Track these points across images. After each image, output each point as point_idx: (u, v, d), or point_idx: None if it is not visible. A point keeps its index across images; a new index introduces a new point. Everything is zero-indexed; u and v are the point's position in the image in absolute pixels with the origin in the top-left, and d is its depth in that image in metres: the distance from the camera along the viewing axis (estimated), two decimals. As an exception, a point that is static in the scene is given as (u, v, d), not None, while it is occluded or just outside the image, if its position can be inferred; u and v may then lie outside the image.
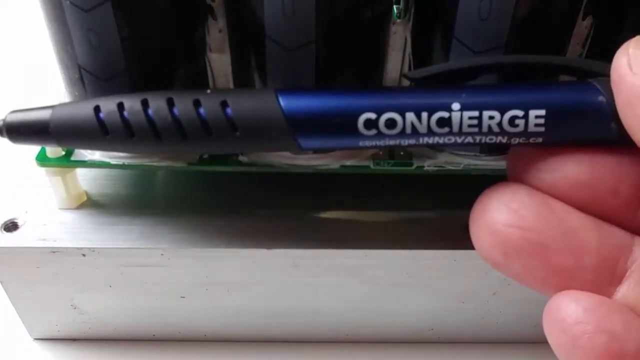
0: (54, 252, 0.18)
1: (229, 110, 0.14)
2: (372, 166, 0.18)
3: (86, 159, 0.18)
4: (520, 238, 0.13)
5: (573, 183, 0.13)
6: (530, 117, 0.13)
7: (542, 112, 0.13)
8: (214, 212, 0.19)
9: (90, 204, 0.19)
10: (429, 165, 0.18)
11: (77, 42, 0.16)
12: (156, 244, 0.18)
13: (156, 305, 0.19)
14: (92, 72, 0.16)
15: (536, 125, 0.13)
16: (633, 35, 0.13)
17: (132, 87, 0.16)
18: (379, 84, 0.18)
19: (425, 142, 0.14)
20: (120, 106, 0.14)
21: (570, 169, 0.13)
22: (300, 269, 0.18)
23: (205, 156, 0.18)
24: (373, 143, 0.14)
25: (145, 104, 0.14)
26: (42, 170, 0.18)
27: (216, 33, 0.17)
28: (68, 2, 0.15)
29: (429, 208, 0.19)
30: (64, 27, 0.15)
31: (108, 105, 0.14)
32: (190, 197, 0.20)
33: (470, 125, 0.13)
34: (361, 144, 0.14)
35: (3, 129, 0.14)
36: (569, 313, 0.12)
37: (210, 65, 0.18)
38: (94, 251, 0.18)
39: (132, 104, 0.14)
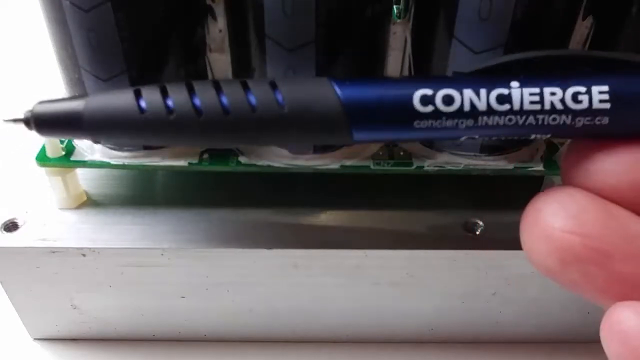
0: (54, 252, 0.18)
1: (279, 96, 0.13)
2: (372, 166, 0.18)
3: (86, 159, 0.18)
4: (581, 245, 0.12)
5: (635, 187, 0.12)
6: (593, 92, 0.13)
7: (605, 87, 0.13)
8: (214, 212, 0.19)
9: (90, 204, 0.19)
10: (429, 165, 0.18)
11: (77, 42, 0.16)
12: (156, 244, 0.18)
13: (156, 305, 0.19)
14: (92, 72, 0.16)
15: (601, 101, 0.13)
16: (633, 35, 0.13)
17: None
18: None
19: (485, 122, 0.13)
20: (164, 91, 0.13)
21: (633, 172, 0.12)
22: (300, 269, 0.18)
23: (205, 156, 0.18)
24: (429, 123, 0.13)
25: (190, 87, 0.13)
26: (42, 170, 0.18)
27: (216, 33, 0.17)
28: (68, 2, 0.15)
29: (429, 208, 0.19)
30: (64, 27, 0.15)
31: (150, 91, 0.13)
32: (190, 197, 0.20)
33: (531, 102, 0.13)
34: (416, 124, 0.13)
35: (31, 120, 0.13)
36: (631, 326, 0.12)
37: (210, 65, 0.18)
38: (94, 251, 0.18)
39: (175, 88, 0.13)
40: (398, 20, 0.18)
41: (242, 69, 0.17)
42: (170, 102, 0.13)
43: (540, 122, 0.13)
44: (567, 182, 0.13)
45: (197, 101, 0.13)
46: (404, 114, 0.13)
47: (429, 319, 0.20)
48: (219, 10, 0.17)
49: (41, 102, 0.13)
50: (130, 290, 0.19)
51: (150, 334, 0.21)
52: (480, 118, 0.13)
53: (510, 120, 0.13)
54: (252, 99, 0.13)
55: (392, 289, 0.19)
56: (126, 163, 0.18)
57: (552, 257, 0.12)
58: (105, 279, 0.19)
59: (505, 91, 0.13)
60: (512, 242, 0.18)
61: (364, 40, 0.16)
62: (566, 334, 0.21)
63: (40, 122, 0.13)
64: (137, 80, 0.16)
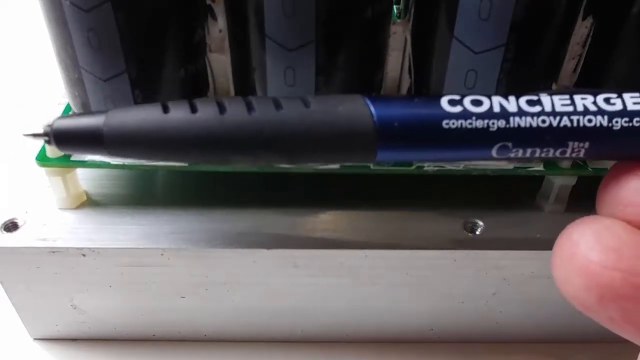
0: (54, 252, 0.18)
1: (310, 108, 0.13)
2: (372, 166, 0.18)
3: (86, 159, 0.18)
4: (622, 281, 0.11)
5: None
6: (625, 97, 0.12)
7: (637, 93, 0.12)
8: (214, 212, 0.19)
9: (90, 204, 0.19)
10: (428, 165, 0.18)
11: (77, 42, 0.16)
12: (156, 244, 0.18)
13: (156, 305, 0.19)
14: (92, 72, 0.16)
15: (635, 103, 0.12)
16: (633, 35, 0.13)
17: (132, 88, 0.16)
18: (379, 84, 0.18)
19: (517, 124, 0.12)
20: (193, 107, 0.13)
21: None
22: (300, 269, 0.18)
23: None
24: (459, 123, 0.12)
25: (222, 106, 0.13)
26: (42, 170, 0.18)
27: (216, 33, 0.17)
28: (68, 2, 0.15)
29: (429, 208, 0.19)
30: (64, 27, 0.15)
31: (177, 105, 0.13)
32: (190, 197, 0.20)
33: (563, 104, 0.12)
34: (445, 124, 0.12)
35: (51, 135, 0.13)
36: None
37: (210, 65, 0.18)
38: (94, 251, 0.18)
39: (205, 104, 0.13)
40: (398, 20, 0.18)
41: (242, 69, 0.17)
42: (199, 115, 0.12)
43: (576, 124, 0.12)
44: (603, 212, 0.13)
45: (228, 115, 0.12)
46: (432, 113, 0.12)
47: (429, 319, 0.20)
48: (219, 10, 0.17)
49: (61, 117, 0.13)
50: (130, 290, 0.19)
51: (150, 334, 0.21)
52: (512, 119, 0.12)
53: (543, 121, 0.12)
54: (283, 115, 0.12)
55: (392, 289, 0.19)
56: (126, 163, 0.18)
57: (589, 293, 0.12)
58: (105, 279, 0.19)
59: (533, 97, 0.12)
60: (512, 242, 0.18)
61: (364, 41, 0.16)
62: (566, 334, 0.21)
63: (60, 137, 0.13)
64: (137, 81, 0.16)
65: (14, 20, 0.35)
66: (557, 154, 0.13)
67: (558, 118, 0.12)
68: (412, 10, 0.17)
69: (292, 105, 0.13)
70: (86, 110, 0.17)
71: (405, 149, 0.13)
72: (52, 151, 0.18)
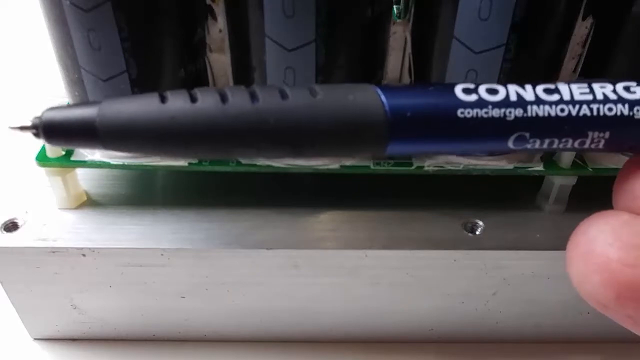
0: (54, 252, 0.18)
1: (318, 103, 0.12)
2: (372, 166, 0.18)
3: (86, 159, 0.18)
4: None
5: None
6: None
7: None
8: (214, 212, 0.19)
9: (90, 204, 0.19)
10: (428, 165, 0.18)
11: (77, 42, 0.16)
12: (156, 244, 0.18)
13: (156, 305, 0.19)
14: (92, 72, 0.16)
15: None
16: (633, 35, 0.12)
17: (132, 88, 0.16)
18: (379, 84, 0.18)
19: (535, 113, 0.12)
20: (192, 97, 0.12)
21: None
22: (300, 269, 0.18)
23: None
24: (474, 112, 0.12)
25: (223, 96, 0.12)
26: (42, 170, 0.18)
27: (216, 33, 0.17)
28: (68, 2, 0.15)
29: (429, 208, 0.19)
30: (64, 27, 0.15)
31: (176, 95, 0.12)
32: (190, 197, 0.20)
33: (582, 93, 0.12)
34: (460, 113, 0.12)
35: (40, 128, 0.12)
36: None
37: (210, 65, 0.18)
38: (94, 251, 0.18)
39: (206, 93, 0.12)
40: (398, 20, 0.18)
41: (242, 69, 0.17)
42: (199, 104, 0.12)
43: (596, 113, 0.12)
44: (620, 206, 0.12)
45: (229, 105, 0.12)
46: (446, 105, 0.12)
47: (429, 319, 0.20)
48: (219, 10, 0.17)
49: (51, 109, 0.12)
50: (130, 290, 0.19)
51: (150, 334, 0.21)
52: (529, 107, 0.12)
53: (562, 110, 0.12)
54: (289, 104, 0.12)
55: (392, 289, 0.19)
56: (126, 163, 0.18)
57: (607, 291, 0.11)
58: (105, 279, 0.19)
59: (551, 86, 0.12)
60: (512, 242, 0.18)
61: (364, 40, 0.16)
62: (566, 334, 0.21)
63: (50, 130, 0.12)
64: (137, 81, 0.16)
65: (14, 20, 0.35)
66: (576, 144, 0.12)
67: (577, 107, 0.12)
68: (412, 10, 0.17)
69: (298, 94, 0.12)
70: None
71: (417, 140, 0.12)
72: (52, 151, 0.18)
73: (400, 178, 0.19)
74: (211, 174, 0.19)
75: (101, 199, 0.19)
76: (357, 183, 0.20)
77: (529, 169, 0.18)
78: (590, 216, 0.12)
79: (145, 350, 0.21)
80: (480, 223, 0.19)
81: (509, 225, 0.19)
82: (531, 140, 0.12)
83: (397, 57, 0.18)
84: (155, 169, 0.18)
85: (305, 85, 0.12)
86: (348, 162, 0.18)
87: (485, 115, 0.12)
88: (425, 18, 0.17)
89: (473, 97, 0.12)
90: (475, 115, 0.12)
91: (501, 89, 0.12)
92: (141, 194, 0.20)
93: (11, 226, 0.18)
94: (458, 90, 0.12)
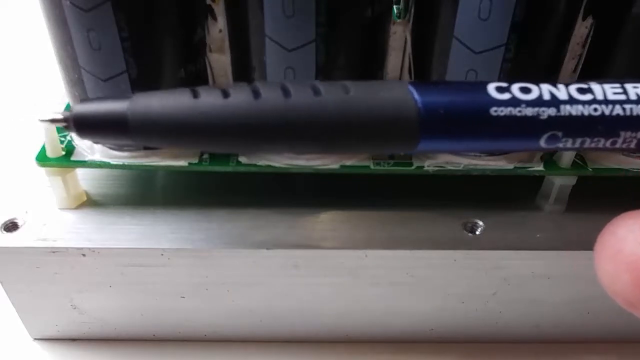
0: (54, 252, 0.18)
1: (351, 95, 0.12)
2: (372, 166, 0.18)
3: (86, 159, 0.18)
4: None
5: None
6: None
7: None
8: (214, 212, 0.19)
9: (90, 204, 0.19)
10: (428, 165, 0.18)
11: (77, 42, 0.16)
12: (156, 244, 0.18)
13: (156, 305, 0.19)
14: (92, 72, 0.16)
15: None
16: (633, 35, 0.12)
17: (132, 88, 0.16)
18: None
19: (569, 112, 0.12)
20: (225, 93, 0.12)
21: None
22: (300, 269, 0.18)
23: (205, 156, 0.18)
24: (507, 111, 0.12)
25: (256, 91, 0.12)
26: (42, 170, 0.18)
27: (216, 33, 0.17)
28: (68, 2, 0.15)
29: (429, 208, 0.19)
30: (64, 27, 0.15)
31: (208, 91, 0.12)
32: (190, 197, 0.20)
33: (615, 93, 0.12)
34: (493, 111, 0.12)
35: (70, 120, 0.12)
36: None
37: (210, 65, 0.18)
38: (94, 251, 0.18)
39: (238, 89, 0.12)
40: (398, 20, 0.18)
41: (242, 69, 0.17)
42: (232, 99, 0.12)
43: (629, 113, 0.12)
44: None
45: (263, 100, 0.12)
46: (479, 104, 0.12)
47: (429, 319, 0.20)
48: (219, 10, 0.17)
49: (82, 102, 0.12)
50: (130, 290, 0.19)
51: (150, 334, 0.21)
52: (562, 107, 0.12)
53: (595, 110, 0.12)
54: (322, 101, 0.12)
55: (392, 289, 0.19)
56: (126, 163, 0.18)
57: (638, 290, 0.11)
58: (105, 279, 0.19)
59: (584, 85, 0.12)
60: (512, 242, 0.18)
61: (363, 40, 0.16)
62: (566, 334, 0.21)
63: (81, 122, 0.12)
64: (137, 81, 0.16)
65: (14, 20, 0.35)
66: (608, 144, 0.12)
67: (610, 107, 0.12)
68: (412, 10, 0.17)
69: (331, 90, 0.12)
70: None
71: (449, 138, 0.12)
72: (52, 151, 0.18)
73: (400, 178, 0.19)
74: (211, 174, 0.19)
75: (101, 199, 0.19)
76: (357, 183, 0.20)
77: (529, 169, 0.18)
78: (618, 217, 0.12)
79: (145, 350, 0.21)
80: (480, 223, 0.19)
81: (509, 225, 0.19)
82: (563, 140, 0.12)
83: (397, 57, 0.18)
84: (155, 169, 0.18)
85: (338, 82, 0.12)
86: (348, 162, 0.18)
87: (518, 114, 0.12)
88: (425, 18, 0.17)
89: (506, 96, 0.12)
90: (508, 113, 0.12)
91: (534, 88, 0.12)
92: (141, 194, 0.20)
93: (11, 226, 0.18)
94: (491, 88, 0.12)
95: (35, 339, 0.21)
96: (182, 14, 0.16)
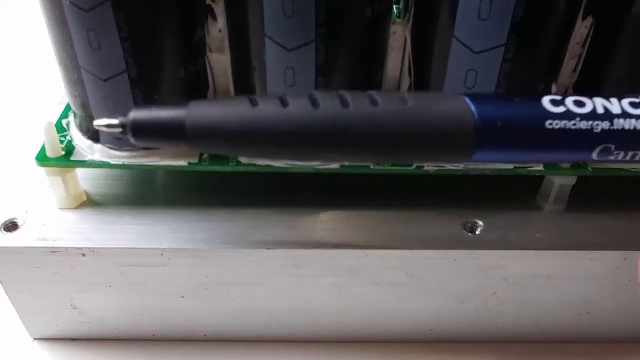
0: (54, 252, 0.18)
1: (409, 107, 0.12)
2: (372, 166, 0.18)
3: (86, 159, 0.18)
4: None
5: None
6: None
7: None
8: (214, 212, 0.19)
9: (90, 204, 0.19)
10: (428, 165, 0.18)
11: (77, 42, 0.16)
12: (156, 244, 0.18)
13: (156, 305, 0.19)
14: (92, 72, 0.16)
15: None
16: (633, 35, 0.12)
17: (132, 87, 0.16)
18: (379, 84, 0.18)
19: (622, 126, 0.12)
20: (284, 102, 0.12)
21: None
22: (300, 269, 0.18)
23: (205, 156, 0.18)
24: (562, 124, 0.12)
25: (315, 101, 0.12)
26: (42, 170, 0.18)
27: (216, 33, 0.17)
28: (68, 2, 0.15)
29: (429, 208, 0.19)
30: (64, 27, 0.15)
31: (266, 100, 0.12)
32: (190, 197, 0.20)
33: None
34: (549, 124, 0.12)
35: (128, 126, 0.12)
36: None
37: (210, 65, 0.18)
38: (94, 251, 0.18)
39: (297, 98, 0.12)
40: (398, 20, 0.18)
41: (242, 69, 0.17)
42: (291, 109, 0.12)
43: None
44: None
45: (322, 110, 0.12)
46: (535, 116, 0.12)
47: (429, 319, 0.20)
48: (219, 10, 0.17)
49: (139, 109, 0.13)
50: (130, 290, 0.19)
51: (150, 334, 0.21)
52: (616, 121, 0.12)
53: None
54: (380, 111, 0.12)
55: (392, 289, 0.19)
56: (126, 163, 0.18)
57: None
58: (105, 279, 0.19)
59: (636, 100, 0.12)
60: (512, 242, 0.18)
61: (363, 40, 0.16)
62: (566, 334, 0.21)
63: (139, 129, 0.12)
64: (137, 81, 0.16)
65: (14, 20, 0.35)
66: None
67: None
68: (412, 10, 0.17)
69: (388, 101, 0.12)
70: (87, 111, 0.17)
71: (504, 149, 0.12)
72: (52, 151, 0.18)
73: (400, 178, 0.19)
74: (211, 174, 0.19)
75: (101, 199, 0.19)
76: (357, 183, 0.20)
77: (529, 169, 0.18)
78: None
79: (145, 350, 0.21)
80: (480, 223, 0.19)
81: (509, 225, 0.19)
82: (615, 153, 0.12)
83: (397, 57, 0.18)
84: (155, 169, 0.18)
85: (395, 94, 0.12)
86: (348, 162, 0.18)
87: (573, 127, 0.12)
88: (425, 18, 0.17)
89: (561, 109, 0.12)
90: (563, 126, 0.12)
91: (588, 102, 0.12)
92: (141, 194, 0.20)
93: (11, 226, 0.18)
94: (546, 101, 0.12)
95: (35, 339, 0.21)
96: (182, 14, 0.16)
